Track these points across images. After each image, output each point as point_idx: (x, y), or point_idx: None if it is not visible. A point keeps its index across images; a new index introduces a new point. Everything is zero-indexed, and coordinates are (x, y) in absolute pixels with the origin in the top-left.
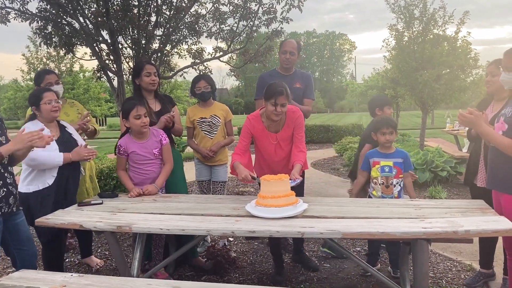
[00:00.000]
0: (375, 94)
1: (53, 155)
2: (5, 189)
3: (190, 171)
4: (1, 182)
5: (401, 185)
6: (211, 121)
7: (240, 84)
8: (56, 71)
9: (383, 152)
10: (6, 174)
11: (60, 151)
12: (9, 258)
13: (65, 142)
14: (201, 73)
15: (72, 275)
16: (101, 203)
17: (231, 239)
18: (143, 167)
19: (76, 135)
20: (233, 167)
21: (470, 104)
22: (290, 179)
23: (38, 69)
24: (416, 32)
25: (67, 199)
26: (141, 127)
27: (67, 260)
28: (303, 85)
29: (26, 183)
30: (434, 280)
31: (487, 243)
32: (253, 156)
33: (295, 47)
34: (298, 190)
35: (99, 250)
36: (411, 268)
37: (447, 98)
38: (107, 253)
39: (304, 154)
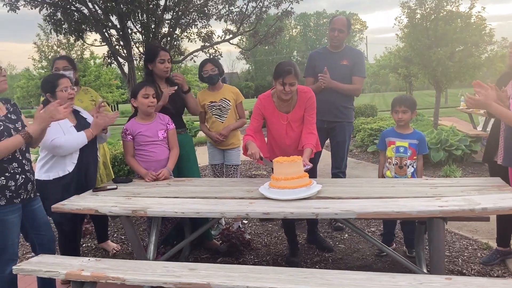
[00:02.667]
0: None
1: (76, 136)
2: (23, 176)
3: (203, 156)
4: (19, 169)
5: (415, 166)
6: (221, 105)
7: (250, 68)
8: None
9: (399, 132)
10: (24, 161)
11: None
12: (28, 244)
13: (82, 127)
14: (211, 56)
15: (89, 259)
16: (116, 188)
17: (245, 221)
18: (148, 148)
19: (90, 119)
20: (245, 147)
21: (485, 81)
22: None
23: (50, 57)
24: (428, 9)
25: (88, 185)
26: (148, 107)
27: (84, 245)
28: (351, 62)
29: (45, 170)
30: (450, 259)
31: (504, 221)
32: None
33: (345, 24)
34: (311, 172)
35: (115, 235)
36: (427, 247)
37: (461, 76)
38: (123, 237)
39: (314, 136)
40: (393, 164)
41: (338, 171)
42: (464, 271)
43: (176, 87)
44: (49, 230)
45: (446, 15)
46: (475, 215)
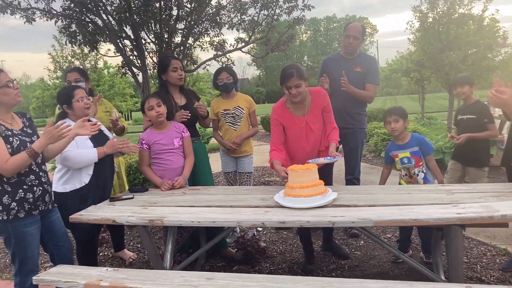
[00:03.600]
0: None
1: (87, 151)
2: (41, 188)
3: (216, 162)
4: (37, 181)
5: (424, 171)
6: (235, 113)
7: (261, 73)
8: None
9: (398, 144)
10: (40, 173)
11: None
12: (46, 253)
13: (99, 139)
14: (224, 65)
15: (107, 269)
16: (132, 198)
17: (260, 229)
18: (163, 156)
19: (106, 132)
20: (272, 164)
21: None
22: (329, 157)
23: (64, 67)
24: (440, 12)
25: (105, 196)
26: (157, 117)
27: (100, 254)
28: (365, 69)
29: (62, 182)
30: (468, 265)
31: None
32: None
33: (360, 31)
34: (327, 177)
35: (131, 243)
36: (444, 253)
37: (474, 79)
38: (139, 246)
39: (337, 131)
40: (403, 175)
41: (352, 177)
42: (483, 278)
43: (188, 113)
44: (67, 241)
45: (458, 18)
46: (494, 222)
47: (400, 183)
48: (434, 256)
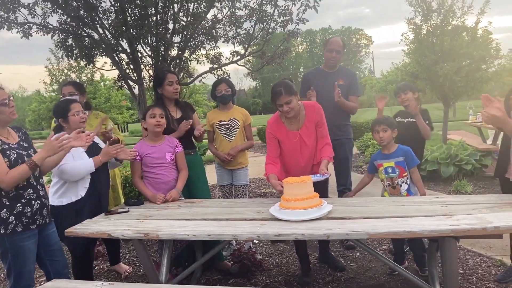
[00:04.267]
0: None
1: (83, 163)
2: (38, 202)
3: (212, 174)
4: (34, 195)
5: (408, 183)
6: (230, 124)
7: (258, 85)
8: (77, 81)
9: (384, 153)
10: (38, 187)
11: None
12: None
13: (94, 152)
14: (219, 77)
15: (103, 283)
16: (128, 211)
17: (256, 241)
18: (155, 170)
19: (102, 145)
20: (268, 178)
21: (493, 94)
22: (319, 174)
23: (60, 80)
24: (434, 24)
25: (102, 209)
26: (155, 126)
27: (96, 267)
28: (347, 81)
29: (58, 195)
30: (464, 276)
31: None
32: None
33: (341, 45)
34: (322, 190)
35: (127, 257)
36: (439, 264)
37: (468, 90)
38: (135, 259)
39: (330, 147)
40: (386, 186)
41: (344, 187)
42: None
43: (191, 121)
44: (62, 256)
45: (452, 30)
46: (488, 233)
47: (383, 195)
48: (429, 267)
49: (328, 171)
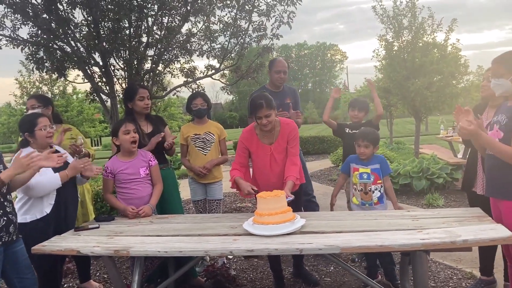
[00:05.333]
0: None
1: (49, 178)
2: (5, 218)
3: (186, 189)
4: (1, 211)
5: (381, 191)
6: (205, 138)
7: (234, 98)
8: (49, 94)
9: (361, 159)
10: (5, 203)
11: None
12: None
13: (62, 167)
14: (194, 91)
15: None
16: (98, 227)
17: (230, 257)
18: (129, 185)
19: (70, 159)
20: (234, 182)
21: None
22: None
23: (31, 93)
24: (405, 41)
25: (68, 226)
26: (130, 143)
27: (65, 285)
28: (293, 99)
29: (23, 212)
30: None
31: (486, 251)
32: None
33: (286, 66)
34: (296, 204)
35: (98, 274)
36: (412, 278)
37: (439, 105)
38: (105, 276)
39: (296, 167)
40: (359, 190)
41: (310, 196)
42: None
43: (163, 134)
44: (31, 273)
45: (422, 47)
46: (457, 247)
47: (351, 201)
48: (401, 281)
49: (291, 195)
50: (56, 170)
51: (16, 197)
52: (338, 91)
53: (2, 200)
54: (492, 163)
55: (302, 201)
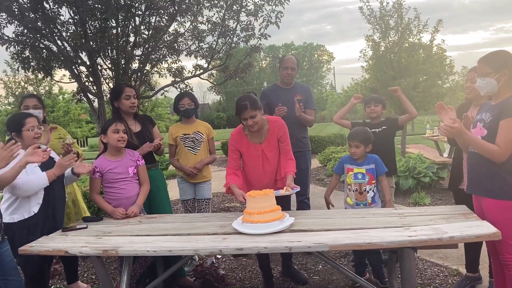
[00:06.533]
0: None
1: (36, 177)
2: None
3: (174, 189)
4: None
5: (375, 191)
6: (195, 137)
7: (222, 99)
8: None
9: (356, 159)
10: None
11: None
12: None
13: (48, 165)
14: (182, 91)
15: None
16: (86, 227)
17: (219, 256)
18: (117, 185)
19: (56, 158)
20: (229, 188)
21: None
22: (290, 189)
23: (17, 93)
24: (392, 41)
25: (56, 226)
26: (118, 142)
27: (52, 286)
28: (304, 96)
29: (10, 212)
30: (422, 286)
31: (472, 248)
32: None
33: (295, 63)
34: (285, 204)
35: (85, 275)
36: (399, 275)
37: (425, 105)
38: (93, 277)
39: (293, 162)
40: (353, 191)
41: (304, 197)
42: None
43: (154, 145)
44: (17, 274)
45: (409, 47)
46: (443, 243)
47: (345, 201)
48: (389, 278)
49: (297, 186)
50: (43, 169)
51: (2, 198)
52: (358, 98)
53: None
54: (474, 160)
55: (291, 200)
